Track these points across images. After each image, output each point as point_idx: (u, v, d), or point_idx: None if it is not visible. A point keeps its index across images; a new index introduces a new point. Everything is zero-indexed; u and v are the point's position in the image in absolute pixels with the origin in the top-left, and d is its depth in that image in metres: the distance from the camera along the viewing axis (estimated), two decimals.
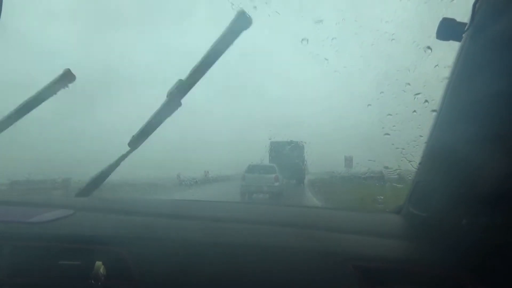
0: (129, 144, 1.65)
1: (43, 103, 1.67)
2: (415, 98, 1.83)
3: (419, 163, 1.36)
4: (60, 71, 1.63)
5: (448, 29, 1.10)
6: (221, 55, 1.52)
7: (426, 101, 1.73)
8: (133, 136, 1.63)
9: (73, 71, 1.66)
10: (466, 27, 1.05)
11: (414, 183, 1.36)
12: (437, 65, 1.45)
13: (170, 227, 1.34)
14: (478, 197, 1.00)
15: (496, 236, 0.95)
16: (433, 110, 1.31)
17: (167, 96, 1.57)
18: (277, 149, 21.49)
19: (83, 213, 1.46)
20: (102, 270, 1.13)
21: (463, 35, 1.07)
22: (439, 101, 1.23)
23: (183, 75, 1.57)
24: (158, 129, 1.63)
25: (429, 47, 1.64)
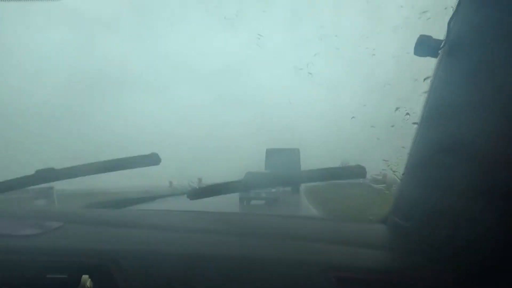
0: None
1: None
2: (396, 110, 1.89)
3: (402, 174, 1.38)
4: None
5: (425, 45, 1.14)
6: None
7: (407, 113, 1.78)
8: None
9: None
10: (442, 44, 1.09)
11: (398, 193, 1.38)
12: (416, 79, 1.51)
13: (160, 240, 1.33)
14: (459, 208, 1.02)
15: (476, 247, 0.97)
16: (414, 123, 1.35)
17: None
18: (273, 157, 21.58)
19: (72, 225, 1.44)
20: (89, 283, 1.12)
21: (439, 51, 1.11)
22: (419, 114, 1.27)
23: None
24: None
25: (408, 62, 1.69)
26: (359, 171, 1.46)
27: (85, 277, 1.12)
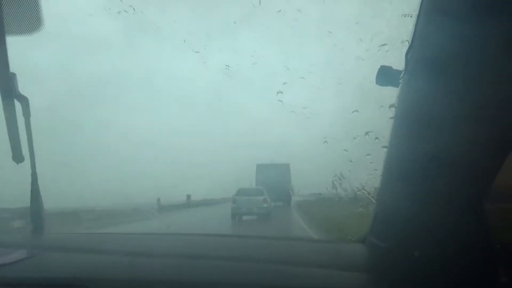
0: (14, 159, 1.55)
1: None
2: (366, 135, 1.98)
3: (377, 195, 1.42)
4: None
5: (386, 76, 1.22)
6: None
7: (376, 138, 1.87)
8: (12, 150, 1.53)
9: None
10: (402, 73, 1.17)
11: (374, 214, 1.40)
12: (382, 106, 1.61)
13: (137, 266, 1.29)
14: (434, 226, 1.04)
15: (454, 266, 0.98)
16: (384, 146, 1.42)
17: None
18: (263, 172, 21.21)
19: (46, 253, 1.39)
20: None
21: (400, 80, 1.18)
22: (388, 138, 1.31)
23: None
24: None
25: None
26: None
27: None
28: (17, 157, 1.54)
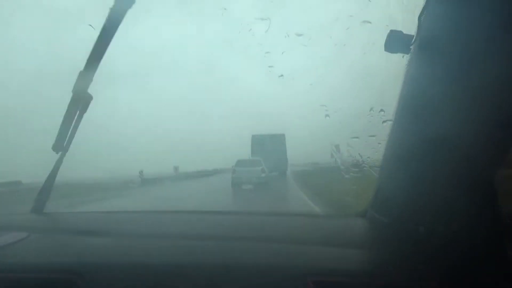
0: (54, 149, 1.60)
1: None
2: (371, 110, 1.89)
3: (380, 169, 1.38)
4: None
5: (396, 41, 1.14)
6: (111, 38, 1.49)
7: (381, 110, 1.78)
8: (56, 140, 1.59)
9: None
10: (413, 39, 1.09)
11: (376, 188, 1.38)
12: (388, 78, 1.50)
13: (132, 249, 1.27)
14: (437, 203, 1.02)
15: (456, 242, 0.96)
16: (387, 120, 1.35)
17: (72, 92, 1.53)
18: (258, 142, 21.66)
19: (37, 235, 1.38)
20: None
21: (411, 46, 1.11)
22: (393, 110, 1.26)
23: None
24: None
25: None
26: None
27: None
28: (58, 147, 1.60)
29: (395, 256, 1.11)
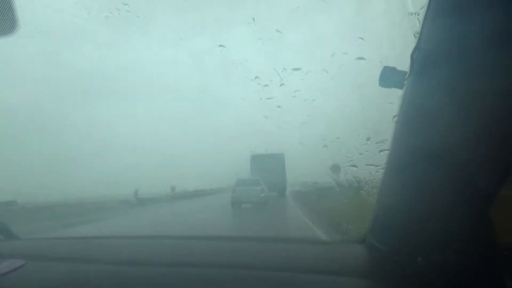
0: None
1: None
2: (368, 140, 1.95)
3: (378, 195, 1.39)
4: None
5: (389, 77, 1.18)
6: None
7: (379, 142, 1.83)
8: None
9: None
10: (407, 75, 1.14)
11: (374, 214, 1.37)
12: (386, 103, 1.54)
13: (133, 277, 1.25)
14: (433, 233, 1.01)
15: (454, 272, 0.96)
16: (383, 150, 1.39)
17: None
18: (258, 162, 21.30)
19: (35, 263, 1.35)
20: None
21: (404, 82, 1.15)
22: (390, 139, 1.28)
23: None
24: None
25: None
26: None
27: None
28: None
29: (392, 285, 1.11)
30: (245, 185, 16.94)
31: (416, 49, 1.10)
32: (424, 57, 1.08)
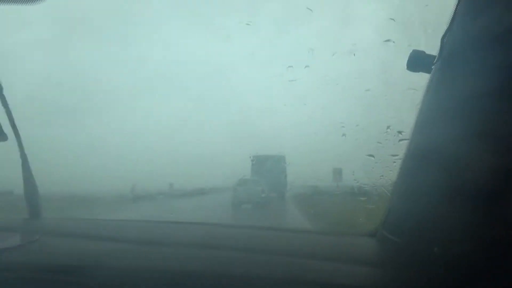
0: None
1: None
2: (388, 128, 1.88)
3: (393, 188, 1.37)
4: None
5: (418, 61, 1.14)
6: None
7: (399, 132, 1.77)
8: None
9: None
10: (435, 59, 1.09)
11: (388, 207, 1.36)
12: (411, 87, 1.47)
13: (143, 254, 1.28)
14: (450, 223, 1.00)
15: (468, 263, 0.94)
16: (403, 139, 1.34)
17: None
18: (259, 163, 21.81)
19: (49, 238, 1.39)
20: None
21: (433, 66, 1.11)
22: (410, 131, 1.25)
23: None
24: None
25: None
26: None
27: None
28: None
29: (406, 274, 1.09)
30: (246, 185, 17.03)
31: (447, 32, 1.05)
32: (455, 41, 1.03)
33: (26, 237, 1.36)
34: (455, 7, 1.04)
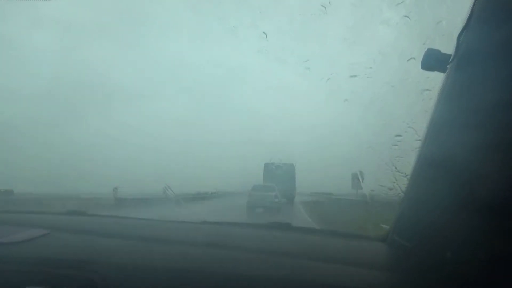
0: None
1: None
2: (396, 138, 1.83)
3: (405, 192, 1.36)
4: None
5: (433, 59, 1.11)
6: None
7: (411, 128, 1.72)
8: None
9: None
10: (451, 58, 1.05)
11: (399, 212, 1.35)
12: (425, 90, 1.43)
13: (150, 252, 1.29)
14: (461, 228, 0.99)
15: (478, 268, 0.93)
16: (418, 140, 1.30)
17: None
18: (270, 170, 23.03)
19: (58, 233, 1.42)
20: None
21: (448, 66, 1.07)
22: (422, 134, 1.23)
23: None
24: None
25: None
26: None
27: None
28: None
29: (418, 279, 1.08)
30: (261, 190, 17.84)
31: (463, 30, 1.01)
32: (471, 41, 1.00)
33: (36, 231, 1.37)
34: (472, 5, 1.00)
